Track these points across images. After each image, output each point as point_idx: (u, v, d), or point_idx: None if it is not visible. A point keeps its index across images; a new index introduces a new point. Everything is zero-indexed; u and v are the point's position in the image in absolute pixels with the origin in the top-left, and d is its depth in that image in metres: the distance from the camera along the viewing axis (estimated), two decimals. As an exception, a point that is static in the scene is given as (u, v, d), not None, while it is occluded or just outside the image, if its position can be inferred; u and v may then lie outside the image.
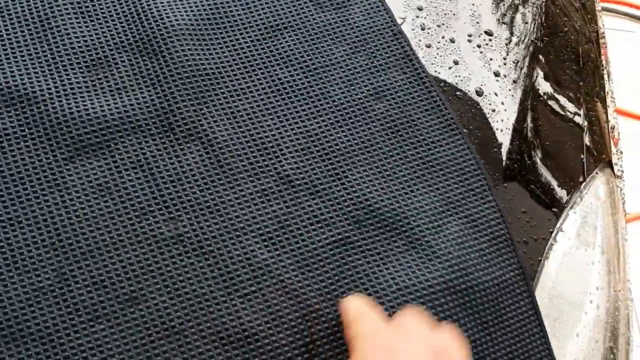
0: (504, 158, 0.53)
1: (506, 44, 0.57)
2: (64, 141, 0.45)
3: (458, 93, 0.54)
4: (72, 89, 0.47)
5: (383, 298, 0.44)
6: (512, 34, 0.58)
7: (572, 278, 0.52)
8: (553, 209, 0.53)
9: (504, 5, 0.60)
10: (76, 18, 0.50)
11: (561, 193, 0.55)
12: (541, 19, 0.61)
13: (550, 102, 0.58)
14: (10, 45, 0.48)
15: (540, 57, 0.59)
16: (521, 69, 0.57)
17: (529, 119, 0.55)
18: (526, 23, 0.59)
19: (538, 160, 0.54)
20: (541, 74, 0.58)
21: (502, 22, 0.58)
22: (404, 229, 0.46)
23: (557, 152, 0.57)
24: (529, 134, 0.55)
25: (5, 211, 0.43)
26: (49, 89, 0.47)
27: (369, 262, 0.45)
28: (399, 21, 0.55)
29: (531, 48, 0.59)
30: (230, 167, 0.47)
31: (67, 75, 0.48)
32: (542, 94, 0.58)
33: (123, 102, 0.47)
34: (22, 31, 0.49)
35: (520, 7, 0.60)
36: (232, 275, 0.43)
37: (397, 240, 0.46)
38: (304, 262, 0.45)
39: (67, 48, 0.49)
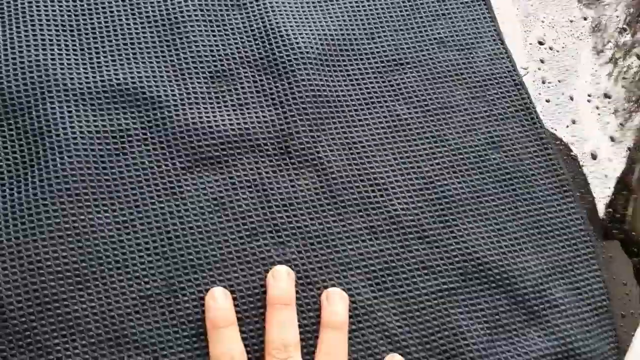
0: (608, 225, 0.52)
1: (623, 109, 0.56)
2: (184, 150, 0.46)
3: (572, 154, 0.53)
4: (195, 98, 0.47)
5: None
6: (625, 99, 0.57)
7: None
8: (651, 284, 0.52)
9: (618, 67, 0.58)
10: (205, 26, 0.50)
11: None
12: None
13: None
14: (139, 46, 0.48)
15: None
16: (632, 134, 0.56)
17: (633, 190, 0.54)
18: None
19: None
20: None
21: (623, 86, 0.57)
22: (509, 288, 0.46)
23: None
24: (633, 205, 0.54)
25: (120, 213, 0.43)
26: (174, 94, 0.47)
27: (471, 318, 0.44)
28: (521, 72, 0.54)
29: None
30: (341, 198, 0.47)
31: (192, 83, 0.48)
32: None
33: (244, 119, 0.47)
34: (150, 32, 0.49)
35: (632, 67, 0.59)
36: (336, 311, 0.43)
37: (501, 299, 0.45)
38: (406, 307, 0.44)
39: (194, 55, 0.49)
